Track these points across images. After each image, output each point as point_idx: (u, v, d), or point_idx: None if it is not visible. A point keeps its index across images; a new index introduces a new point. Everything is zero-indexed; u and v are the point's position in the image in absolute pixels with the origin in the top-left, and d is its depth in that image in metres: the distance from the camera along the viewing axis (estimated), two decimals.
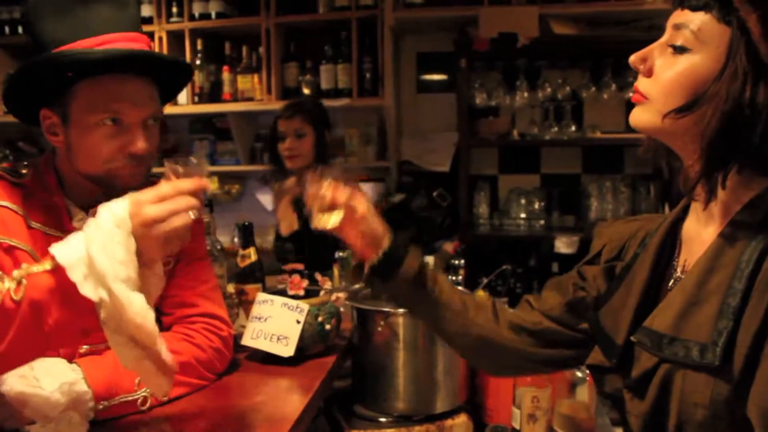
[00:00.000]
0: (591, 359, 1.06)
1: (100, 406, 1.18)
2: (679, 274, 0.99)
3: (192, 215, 1.02)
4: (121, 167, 1.26)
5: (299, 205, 2.63)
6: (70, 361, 1.25)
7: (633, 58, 0.97)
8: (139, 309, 0.96)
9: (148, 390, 1.25)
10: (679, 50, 0.90)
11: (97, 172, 1.26)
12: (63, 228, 1.28)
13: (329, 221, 1.10)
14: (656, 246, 1.02)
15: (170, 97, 1.44)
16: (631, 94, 1.01)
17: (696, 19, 0.89)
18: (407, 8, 3.37)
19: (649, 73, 0.95)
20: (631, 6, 3.22)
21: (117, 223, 0.97)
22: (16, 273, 0.98)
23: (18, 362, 1.05)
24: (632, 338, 0.96)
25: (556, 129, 3.41)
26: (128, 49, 1.23)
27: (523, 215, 3.48)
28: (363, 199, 1.13)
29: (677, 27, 0.91)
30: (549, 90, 3.43)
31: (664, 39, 0.94)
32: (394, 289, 1.16)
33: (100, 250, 0.94)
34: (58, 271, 0.95)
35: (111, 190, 1.25)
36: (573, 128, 3.39)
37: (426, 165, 3.60)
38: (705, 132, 0.87)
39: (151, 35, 3.47)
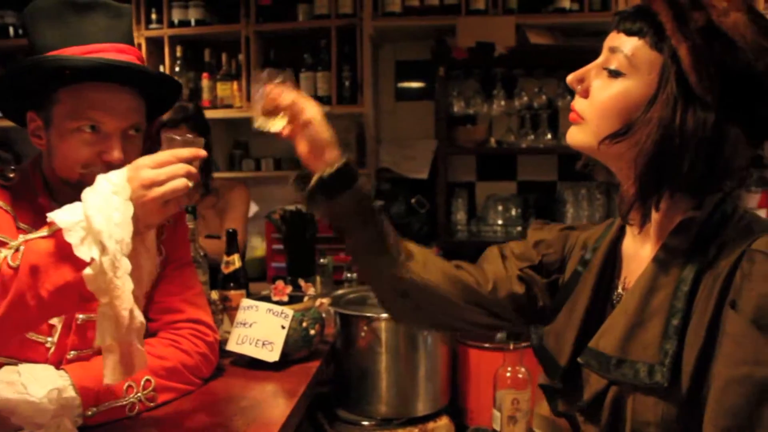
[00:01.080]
0: (541, 379, 1.07)
1: (89, 413, 1.19)
2: (620, 290, 1.01)
3: (189, 183, 1.06)
4: (96, 174, 1.26)
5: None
6: (58, 367, 1.26)
7: (570, 78, 0.98)
8: (123, 272, 0.99)
9: (136, 396, 1.26)
10: (614, 74, 0.92)
11: (73, 177, 1.27)
12: None
13: (273, 125, 1.05)
14: (597, 266, 1.03)
15: (161, 112, 1.45)
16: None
17: (630, 44, 0.91)
18: (386, 17, 3.40)
19: (585, 94, 0.97)
20: (605, 17, 3.28)
21: (115, 190, 1.00)
22: (13, 242, 1.00)
23: (15, 330, 1.07)
24: (578, 360, 0.96)
25: (532, 137, 3.47)
26: (111, 59, 1.24)
27: (500, 222, 3.52)
28: (311, 103, 1.05)
29: (612, 50, 0.93)
30: (525, 98, 3.48)
31: (600, 60, 0.96)
32: (337, 207, 1.07)
33: (97, 213, 0.97)
34: (56, 235, 0.98)
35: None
36: (549, 136, 3.45)
37: (404, 172, 3.63)
38: (638, 158, 0.89)
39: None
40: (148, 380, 1.29)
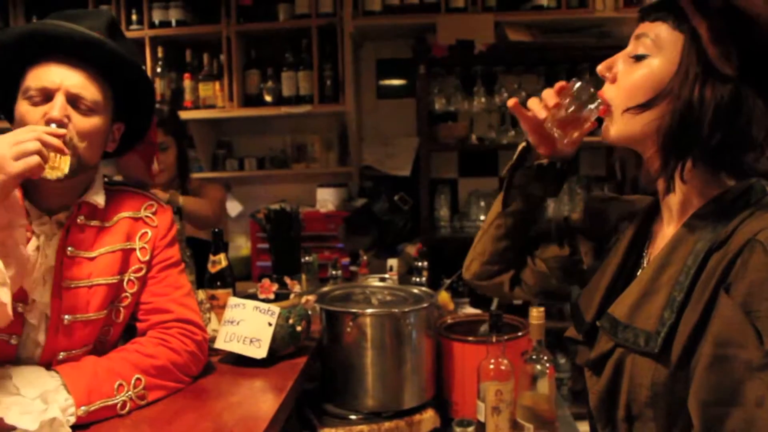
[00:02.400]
0: (567, 332, 1.15)
1: (81, 412, 1.21)
2: (645, 264, 1.08)
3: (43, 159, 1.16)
4: None
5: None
6: (48, 368, 1.28)
7: (600, 67, 1.05)
8: None
9: (127, 394, 1.28)
10: (639, 58, 0.99)
11: None
12: None
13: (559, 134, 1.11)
14: (630, 237, 1.11)
15: (139, 109, 1.47)
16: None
17: (654, 29, 0.98)
18: (366, 16, 3.43)
19: (614, 79, 1.03)
20: (582, 14, 3.34)
21: None
22: None
23: None
24: (597, 323, 1.05)
25: (513, 133, 3.51)
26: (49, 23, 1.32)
27: (482, 217, 3.56)
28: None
29: (638, 37, 1.00)
30: (506, 95, 3.51)
31: (627, 50, 1.02)
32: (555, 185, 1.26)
33: None
34: None
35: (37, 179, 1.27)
36: None
37: (387, 169, 3.66)
38: (661, 128, 0.95)
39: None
40: (138, 379, 1.32)
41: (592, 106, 1.06)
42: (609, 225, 1.22)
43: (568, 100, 1.08)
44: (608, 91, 1.04)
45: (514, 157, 1.27)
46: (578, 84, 1.08)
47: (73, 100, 1.31)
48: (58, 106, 1.28)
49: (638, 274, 1.07)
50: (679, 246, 0.96)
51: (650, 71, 0.97)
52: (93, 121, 1.33)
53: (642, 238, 1.11)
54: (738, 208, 0.94)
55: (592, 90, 1.06)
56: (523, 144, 1.26)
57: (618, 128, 1.02)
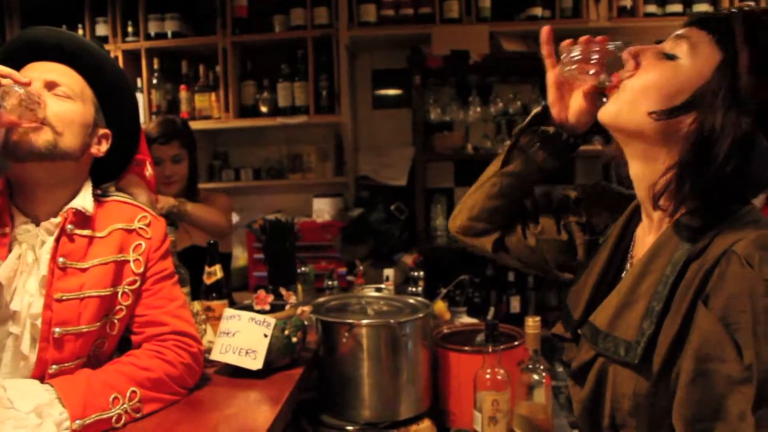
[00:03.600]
0: (555, 329, 1.16)
1: (76, 425, 1.20)
2: (628, 268, 1.07)
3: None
4: (23, 133, 1.29)
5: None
6: (42, 381, 1.28)
7: (626, 54, 1.01)
8: None
9: (122, 407, 1.28)
10: (669, 57, 0.97)
11: (9, 142, 1.29)
12: (1, 222, 1.34)
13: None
14: (612, 241, 1.11)
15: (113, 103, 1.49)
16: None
17: (697, 35, 0.95)
18: (361, 27, 3.45)
19: (636, 68, 1.00)
20: (576, 24, 3.35)
21: None
22: None
23: None
24: (579, 332, 1.05)
25: (508, 142, 3.51)
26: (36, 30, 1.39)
27: None
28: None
29: (679, 37, 0.98)
30: (501, 105, 3.54)
31: (662, 46, 1.00)
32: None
33: None
34: None
35: (15, 157, 1.30)
36: None
37: (383, 179, 3.67)
38: (685, 145, 0.93)
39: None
40: (133, 392, 1.31)
41: (606, 77, 1.04)
42: (604, 219, 1.21)
43: (596, 55, 1.06)
44: (623, 75, 1.01)
45: (527, 119, 1.27)
46: (614, 45, 1.05)
47: (50, 86, 1.35)
48: (38, 88, 1.32)
49: (622, 277, 1.06)
50: (658, 255, 0.96)
51: (674, 74, 0.95)
52: (69, 106, 1.36)
53: (626, 242, 1.11)
54: (719, 217, 0.93)
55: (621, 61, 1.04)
56: (539, 108, 1.25)
57: (616, 112, 1.00)
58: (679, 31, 0.99)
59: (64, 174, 1.37)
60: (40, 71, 1.35)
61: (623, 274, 1.07)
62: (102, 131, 1.45)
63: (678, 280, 0.90)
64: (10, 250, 1.32)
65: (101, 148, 1.45)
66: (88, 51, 1.44)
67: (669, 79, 0.95)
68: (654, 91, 0.96)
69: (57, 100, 1.34)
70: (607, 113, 1.02)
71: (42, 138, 1.30)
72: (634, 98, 0.98)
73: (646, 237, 1.05)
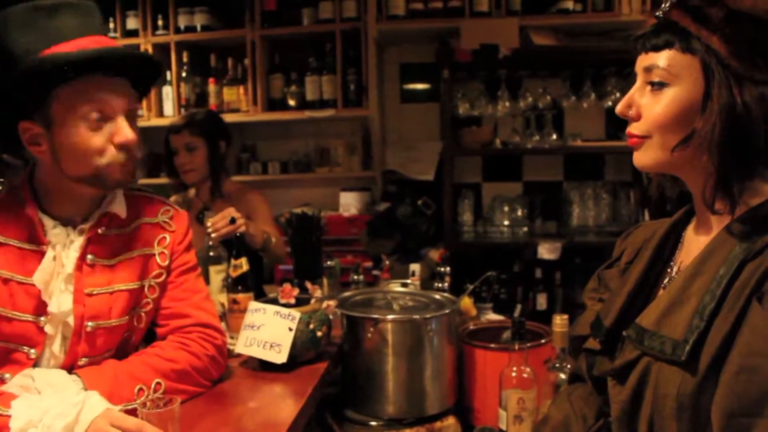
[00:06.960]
0: (587, 343, 1.13)
1: None
2: (674, 274, 1.05)
3: None
4: (112, 161, 1.28)
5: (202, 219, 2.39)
6: (70, 372, 1.29)
7: (620, 108, 1.02)
8: None
9: (147, 398, 1.28)
10: (658, 86, 0.96)
11: (87, 171, 1.27)
12: (37, 241, 1.30)
13: None
14: (655, 244, 1.09)
15: (143, 94, 1.45)
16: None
17: (662, 57, 0.95)
18: (390, 20, 3.42)
19: (638, 117, 1.00)
20: (608, 18, 3.30)
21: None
22: None
23: None
24: (624, 333, 1.02)
25: (537, 137, 3.47)
26: (114, 47, 1.27)
27: (506, 222, 3.53)
28: None
29: (648, 69, 0.97)
30: (530, 99, 3.49)
31: (639, 84, 1.00)
32: None
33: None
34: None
35: (103, 187, 1.31)
36: (554, 136, 3.46)
37: (410, 174, 3.65)
38: (711, 151, 0.92)
39: (137, 48, 3.49)
40: (158, 383, 1.32)
41: None
42: (636, 248, 1.17)
43: None
44: (636, 129, 1.01)
45: None
46: None
47: (129, 114, 1.30)
48: (126, 128, 1.28)
49: (665, 282, 1.05)
50: (713, 255, 0.94)
51: (675, 99, 0.95)
52: (137, 129, 1.33)
53: (670, 246, 1.09)
54: None
55: None
56: None
57: (655, 157, 1.00)
58: (644, 64, 0.98)
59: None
60: (118, 98, 1.28)
61: (666, 281, 1.06)
62: None
63: (733, 280, 0.89)
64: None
65: None
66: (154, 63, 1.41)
67: (675, 104, 0.95)
68: (671, 122, 0.96)
69: (134, 128, 1.32)
70: (644, 162, 1.02)
71: (131, 168, 1.31)
72: (662, 138, 0.97)
73: (701, 236, 1.03)
